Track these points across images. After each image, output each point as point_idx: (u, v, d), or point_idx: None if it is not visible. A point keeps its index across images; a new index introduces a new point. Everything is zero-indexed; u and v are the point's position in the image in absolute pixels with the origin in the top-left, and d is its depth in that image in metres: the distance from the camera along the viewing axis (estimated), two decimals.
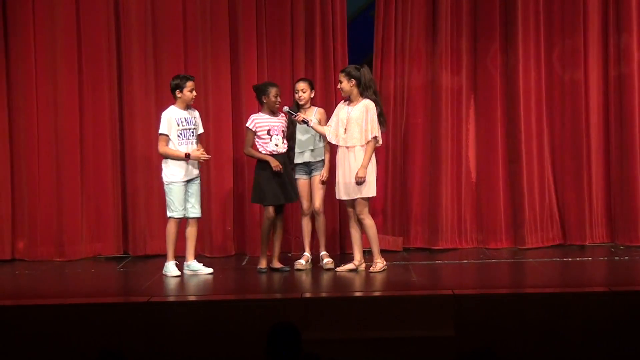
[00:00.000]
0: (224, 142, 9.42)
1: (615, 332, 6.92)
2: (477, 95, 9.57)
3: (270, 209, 8.49)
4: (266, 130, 8.47)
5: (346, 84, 8.31)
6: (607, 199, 9.59)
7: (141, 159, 9.41)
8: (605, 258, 8.94)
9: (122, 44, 9.45)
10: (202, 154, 8.42)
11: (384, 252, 8.63)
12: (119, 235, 9.53)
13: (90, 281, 8.59)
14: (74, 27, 9.40)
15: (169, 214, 8.46)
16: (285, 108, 8.55)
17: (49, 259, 9.36)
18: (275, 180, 8.44)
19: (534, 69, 9.47)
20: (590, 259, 8.89)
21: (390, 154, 9.40)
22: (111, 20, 9.44)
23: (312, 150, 8.60)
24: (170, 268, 8.41)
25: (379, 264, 8.35)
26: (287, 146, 8.56)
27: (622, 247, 9.31)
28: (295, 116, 8.48)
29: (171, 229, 8.45)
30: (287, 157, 8.56)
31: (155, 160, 9.25)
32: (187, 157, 8.36)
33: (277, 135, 8.49)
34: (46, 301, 7.52)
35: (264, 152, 8.47)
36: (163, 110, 8.77)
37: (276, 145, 8.48)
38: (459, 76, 9.46)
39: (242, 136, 9.26)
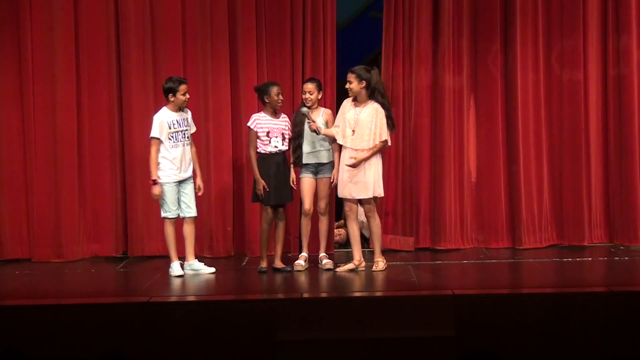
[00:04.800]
0: (224, 142, 9.40)
1: (615, 332, 6.92)
2: (478, 95, 9.57)
3: (269, 209, 8.50)
4: (265, 132, 8.47)
5: (356, 85, 8.32)
6: (606, 199, 9.59)
7: (139, 159, 9.36)
8: (605, 258, 8.94)
9: (121, 43, 9.42)
10: (158, 194, 8.41)
11: (394, 252, 8.66)
12: (117, 236, 9.51)
13: (90, 281, 8.57)
14: (72, 27, 9.37)
15: (162, 215, 8.51)
16: (305, 109, 8.52)
17: (46, 260, 9.33)
18: (275, 181, 8.44)
19: (532, 69, 9.47)
20: (590, 259, 8.90)
21: (400, 155, 9.38)
22: (110, 20, 9.41)
23: (327, 151, 8.58)
24: (175, 268, 8.44)
25: (381, 263, 8.38)
26: (297, 145, 8.53)
27: (622, 247, 9.32)
28: (310, 122, 8.45)
29: (168, 230, 8.49)
30: (284, 157, 8.55)
31: None
32: (153, 182, 8.40)
33: (276, 137, 8.48)
34: (46, 301, 7.54)
35: (262, 152, 8.46)
36: None
37: (275, 147, 8.48)
38: (460, 77, 9.45)
39: (242, 136, 9.29)
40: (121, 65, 9.44)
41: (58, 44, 9.34)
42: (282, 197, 8.52)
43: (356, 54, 9.48)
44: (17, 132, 9.45)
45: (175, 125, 8.45)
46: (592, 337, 6.92)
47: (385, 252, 8.59)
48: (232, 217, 9.47)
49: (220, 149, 9.40)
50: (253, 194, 8.59)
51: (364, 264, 8.43)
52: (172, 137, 8.43)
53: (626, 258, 8.86)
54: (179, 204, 8.50)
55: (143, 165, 9.30)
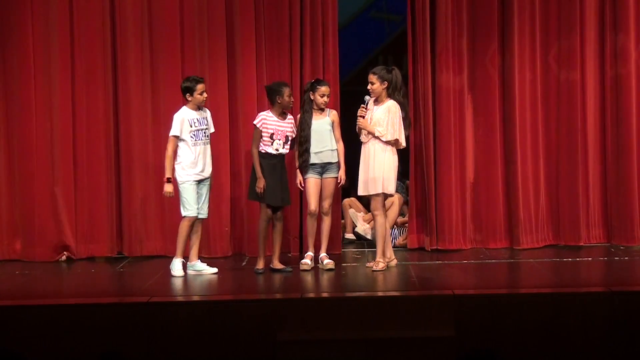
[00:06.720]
0: (221, 142, 9.35)
1: (614, 332, 6.93)
2: (476, 95, 9.55)
3: (268, 209, 8.49)
4: (270, 134, 8.43)
5: (378, 86, 8.34)
6: (603, 199, 9.60)
7: (137, 159, 9.38)
8: (605, 258, 8.95)
9: (118, 43, 9.40)
10: (170, 191, 8.38)
11: (412, 251, 8.74)
12: (114, 236, 9.48)
13: (90, 281, 8.56)
14: (68, 26, 9.34)
15: (183, 213, 8.46)
16: (367, 98, 8.43)
17: (43, 260, 9.30)
18: (274, 181, 8.42)
19: (529, 69, 9.46)
20: (590, 259, 8.90)
21: (419, 154, 9.37)
22: (106, 19, 9.39)
23: (331, 151, 8.58)
24: (176, 265, 8.42)
25: (381, 263, 8.38)
26: (303, 149, 8.51)
27: (622, 247, 9.33)
28: (366, 110, 8.39)
29: (184, 227, 8.45)
30: (282, 160, 8.53)
31: (151, 160, 9.26)
32: (167, 180, 8.38)
33: (279, 139, 8.45)
34: (46, 301, 7.53)
35: (262, 151, 8.43)
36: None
37: (276, 150, 8.46)
38: (460, 76, 9.41)
39: (239, 137, 9.29)
40: (118, 65, 9.42)
41: (53, 44, 9.31)
42: (273, 199, 8.47)
43: (356, 54, 9.45)
44: (13, 133, 9.42)
45: (196, 124, 8.44)
46: (593, 337, 6.93)
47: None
48: (229, 217, 9.46)
49: (217, 148, 9.34)
50: (250, 191, 8.55)
51: (394, 260, 8.52)
52: (194, 135, 8.42)
53: (626, 258, 8.86)
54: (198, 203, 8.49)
55: (140, 166, 9.33)
